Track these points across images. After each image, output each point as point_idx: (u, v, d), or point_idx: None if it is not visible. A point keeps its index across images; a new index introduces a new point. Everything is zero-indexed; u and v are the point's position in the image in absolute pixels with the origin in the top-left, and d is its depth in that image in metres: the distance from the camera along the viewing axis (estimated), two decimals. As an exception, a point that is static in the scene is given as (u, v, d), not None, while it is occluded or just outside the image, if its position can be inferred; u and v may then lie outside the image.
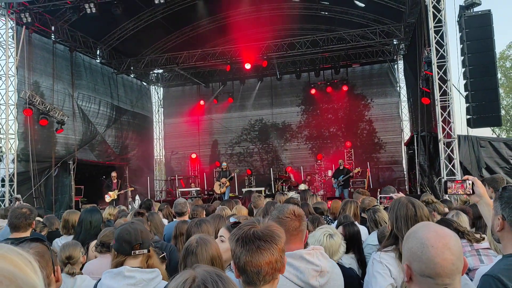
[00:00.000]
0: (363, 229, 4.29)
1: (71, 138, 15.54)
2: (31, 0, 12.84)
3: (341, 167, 14.90)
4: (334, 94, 19.63)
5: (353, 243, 3.70)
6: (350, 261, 3.58)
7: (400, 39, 16.52)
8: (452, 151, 10.74)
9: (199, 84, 21.50)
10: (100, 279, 2.60)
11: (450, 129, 10.79)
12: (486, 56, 10.46)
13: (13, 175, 12.89)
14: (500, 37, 43.97)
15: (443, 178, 10.45)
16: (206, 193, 17.94)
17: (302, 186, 15.16)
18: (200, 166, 20.94)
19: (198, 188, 17.76)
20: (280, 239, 1.66)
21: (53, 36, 15.04)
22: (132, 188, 15.04)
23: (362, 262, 3.65)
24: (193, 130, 21.62)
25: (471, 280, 2.33)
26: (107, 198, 13.13)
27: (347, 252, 3.60)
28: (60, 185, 14.58)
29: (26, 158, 13.29)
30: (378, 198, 4.89)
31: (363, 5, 15.78)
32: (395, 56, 19.06)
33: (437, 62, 10.88)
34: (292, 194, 11.89)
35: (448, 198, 6.73)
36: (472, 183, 2.41)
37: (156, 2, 13.20)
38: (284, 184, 16.56)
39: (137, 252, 2.56)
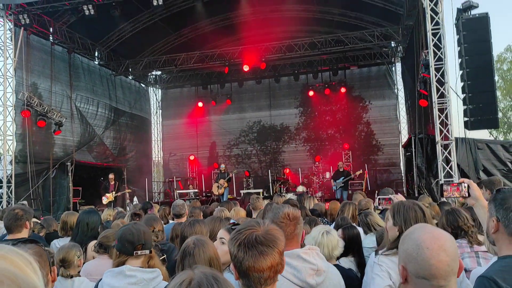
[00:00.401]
0: (360, 231, 4.29)
1: (69, 139, 15.50)
2: (29, 1, 12.81)
3: (341, 169, 14.92)
4: (332, 96, 19.61)
5: (353, 246, 3.67)
6: (349, 264, 3.55)
7: (398, 41, 16.56)
8: (449, 153, 10.73)
9: (197, 86, 21.50)
10: (101, 279, 2.62)
11: (447, 131, 10.78)
12: (484, 59, 10.47)
13: (11, 176, 12.87)
14: (498, 40, 44.04)
15: (440, 180, 10.46)
16: (204, 194, 17.90)
17: (300, 188, 15.16)
18: (198, 167, 20.88)
19: (196, 190, 17.68)
20: (281, 242, 1.67)
21: (51, 38, 15.00)
22: (130, 190, 14.99)
23: (362, 265, 3.59)
24: (191, 132, 21.59)
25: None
26: (104, 200, 13.08)
27: (346, 255, 3.58)
28: (58, 186, 14.54)
29: (24, 160, 13.27)
30: (376, 199, 4.88)
31: None
32: (393, 59, 19.07)
33: (434, 65, 10.89)
34: (290, 195, 11.86)
35: (446, 200, 6.74)
36: (468, 186, 2.42)
37: (155, 4, 13.18)
38: (282, 186, 16.54)
39: (139, 252, 2.58)
